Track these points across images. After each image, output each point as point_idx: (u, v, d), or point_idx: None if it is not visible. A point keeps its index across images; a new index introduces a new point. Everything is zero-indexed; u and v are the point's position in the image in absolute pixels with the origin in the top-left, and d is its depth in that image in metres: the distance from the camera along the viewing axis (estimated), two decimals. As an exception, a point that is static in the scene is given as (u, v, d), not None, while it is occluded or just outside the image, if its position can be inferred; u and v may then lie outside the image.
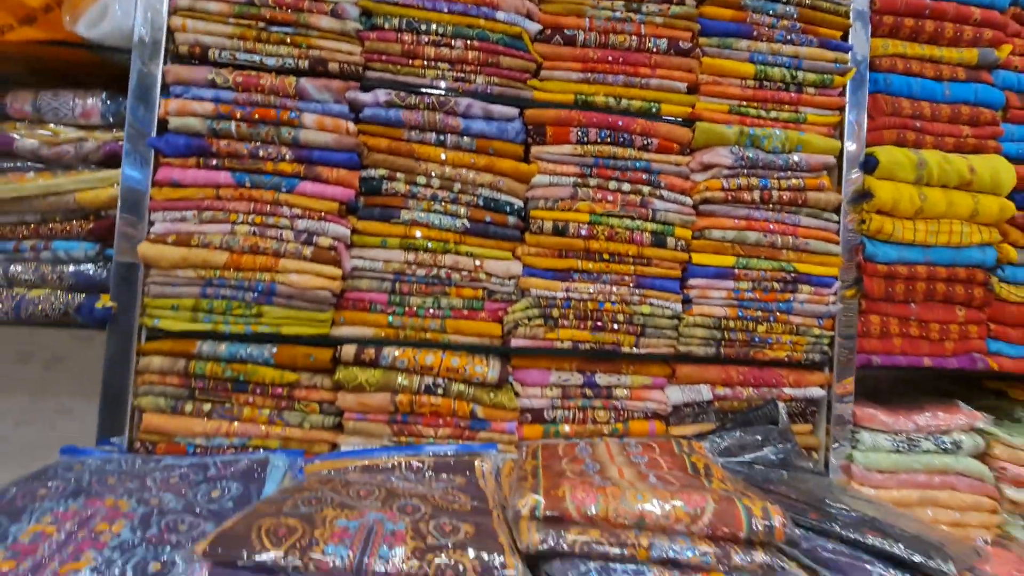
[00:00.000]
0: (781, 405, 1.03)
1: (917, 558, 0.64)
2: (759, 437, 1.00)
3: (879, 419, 1.06)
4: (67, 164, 0.91)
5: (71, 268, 0.88)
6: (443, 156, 0.96)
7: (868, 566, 0.65)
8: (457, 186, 0.97)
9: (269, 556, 0.52)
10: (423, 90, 0.96)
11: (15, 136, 0.89)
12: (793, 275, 1.04)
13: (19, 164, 0.90)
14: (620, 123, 1.00)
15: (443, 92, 0.96)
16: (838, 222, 1.07)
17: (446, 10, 0.96)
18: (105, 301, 0.86)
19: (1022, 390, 1.29)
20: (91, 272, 0.89)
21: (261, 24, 0.91)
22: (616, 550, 0.59)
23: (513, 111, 0.98)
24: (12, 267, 0.87)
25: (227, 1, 0.89)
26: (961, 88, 1.11)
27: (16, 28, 0.84)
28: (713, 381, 1.04)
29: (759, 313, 1.03)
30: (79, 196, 0.89)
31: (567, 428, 1.00)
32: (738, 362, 1.05)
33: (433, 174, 0.96)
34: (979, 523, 1.06)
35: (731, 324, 1.02)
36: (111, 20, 0.86)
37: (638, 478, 0.75)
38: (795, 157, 1.04)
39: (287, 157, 0.91)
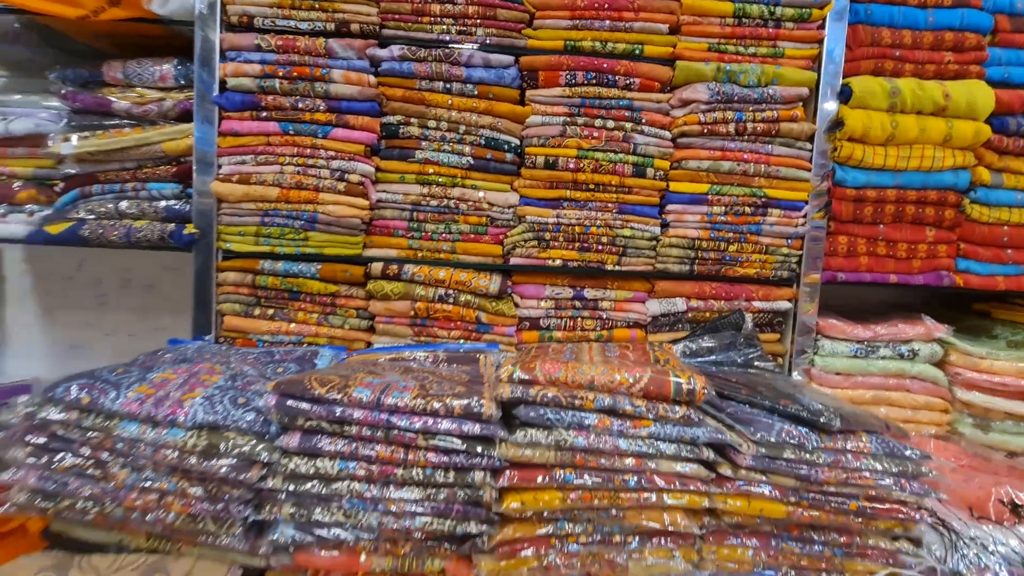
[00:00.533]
0: (748, 315, 1.17)
1: (812, 416, 0.80)
2: (726, 342, 1.15)
3: (840, 328, 1.19)
4: (152, 120, 1.13)
5: (163, 204, 1.13)
6: (449, 102, 1.12)
7: (774, 422, 0.81)
8: (462, 128, 1.14)
9: (316, 392, 0.75)
10: (431, 44, 1.11)
11: (112, 99, 1.12)
12: (763, 200, 1.16)
13: (117, 122, 1.14)
14: (605, 65, 1.12)
15: (448, 45, 1.11)
16: (811, 150, 1.16)
17: (446, -31, 1.10)
18: (190, 229, 1.11)
19: (1006, 310, 1.36)
20: (177, 207, 1.13)
21: (294, -7, 1.08)
22: (567, 400, 0.79)
23: (509, 59, 1.12)
24: (121, 203, 1.12)
25: (266, -25, 1.07)
26: (946, 14, 1.14)
27: (107, 9, 1.05)
28: (688, 295, 1.19)
29: (730, 234, 1.16)
30: (164, 145, 1.12)
31: (559, 334, 1.19)
32: (711, 278, 1.19)
33: (441, 118, 1.13)
34: (929, 420, 1.19)
35: (704, 244, 1.16)
36: (177, -3, 1.06)
37: (603, 361, 0.94)
38: (770, 90, 1.13)
39: (321, 108, 1.10)
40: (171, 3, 1.05)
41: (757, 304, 1.20)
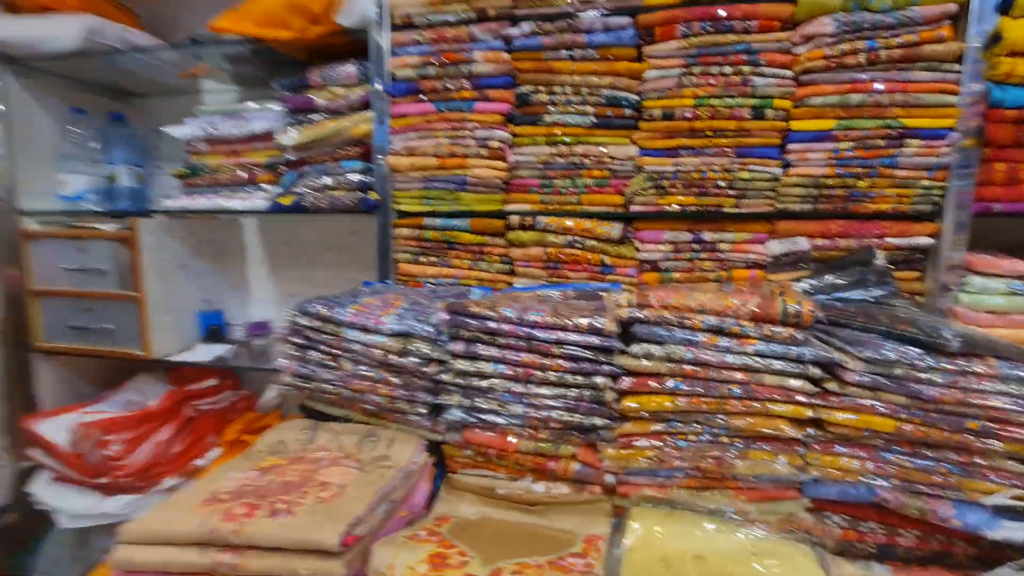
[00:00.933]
0: (879, 252, 1.15)
1: (928, 338, 0.82)
2: (854, 279, 1.16)
3: (994, 263, 1.11)
4: (342, 112, 1.45)
5: (353, 177, 1.45)
6: (572, 67, 1.26)
7: (886, 343, 0.85)
8: (585, 90, 1.27)
9: (473, 309, 0.98)
10: (556, 17, 1.25)
11: (314, 98, 1.46)
12: (900, 131, 1.11)
13: (319, 116, 1.47)
14: (721, 12, 1.16)
15: (572, 16, 1.24)
16: (959, 72, 1.08)
17: (570, -55, 1.22)
18: (373, 195, 1.42)
19: None
20: (363, 179, 1.44)
21: (442, -8, 1.29)
22: (677, 320, 0.91)
23: (626, 20, 1.21)
24: (325, 179, 1.47)
25: (420, -20, 1.30)
26: None
27: (310, 27, 1.37)
28: (811, 233, 1.20)
29: (859, 170, 1.15)
30: (352, 130, 1.43)
31: (678, 275, 1.29)
32: (837, 216, 1.19)
33: (566, 83, 1.27)
34: (1113, 363, 1.07)
35: (829, 182, 1.16)
36: (356, 10, 1.34)
37: (715, 291, 1.04)
38: (909, 12, 1.07)
39: (466, 86, 1.32)
40: (353, 16, 1.33)
41: (892, 240, 1.17)
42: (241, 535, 0.68)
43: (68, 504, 1.60)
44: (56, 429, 1.62)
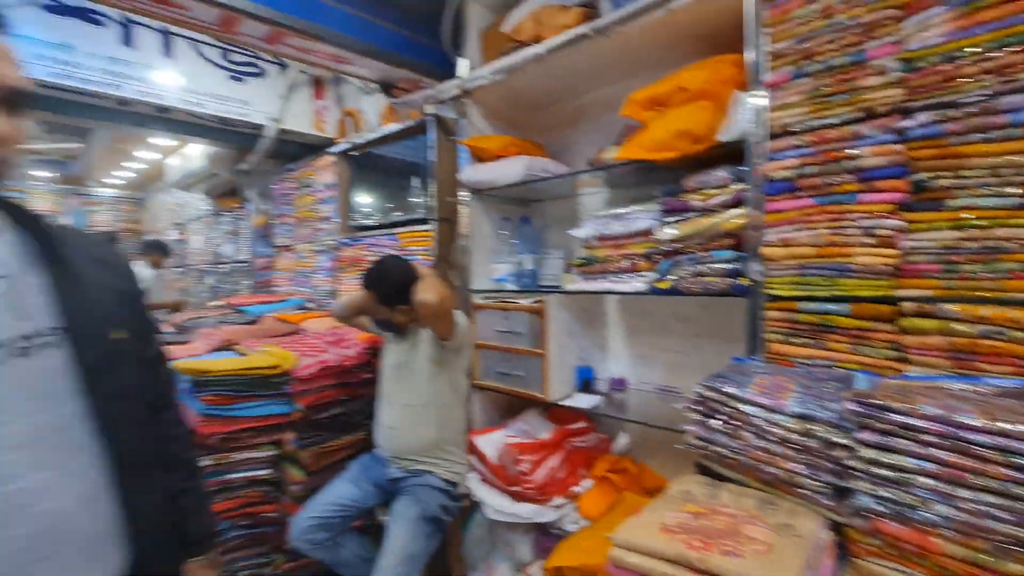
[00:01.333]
0: None
1: None
2: None
3: None
4: (714, 209, 1.70)
5: (724, 265, 1.66)
6: (987, 150, 1.19)
7: None
8: (1005, 171, 1.18)
9: (884, 402, 1.03)
10: (963, 104, 1.22)
11: (689, 200, 1.75)
12: None
13: (692, 215, 1.76)
14: None
15: (986, 100, 1.19)
16: None
17: (981, 32, 1.19)
18: (743, 281, 1.59)
19: None
20: (734, 267, 1.64)
21: (823, 100, 1.42)
22: None
23: (1071, 93, 1.10)
24: (697, 266, 1.73)
25: (800, 94, 1.46)
26: None
27: (692, 147, 1.68)
28: None
29: None
30: (722, 225, 1.66)
31: None
32: None
33: (977, 166, 1.21)
34: None
35: None
36: (735, 127, 1.58)
37: None
38: None
39: (849, 180, 1.39)
40: (733, 132, 1.59)
41: None
42: (705, 563, 0.90)
43: (490, 501, 2.20)
44: (487, 444, 2.28)
